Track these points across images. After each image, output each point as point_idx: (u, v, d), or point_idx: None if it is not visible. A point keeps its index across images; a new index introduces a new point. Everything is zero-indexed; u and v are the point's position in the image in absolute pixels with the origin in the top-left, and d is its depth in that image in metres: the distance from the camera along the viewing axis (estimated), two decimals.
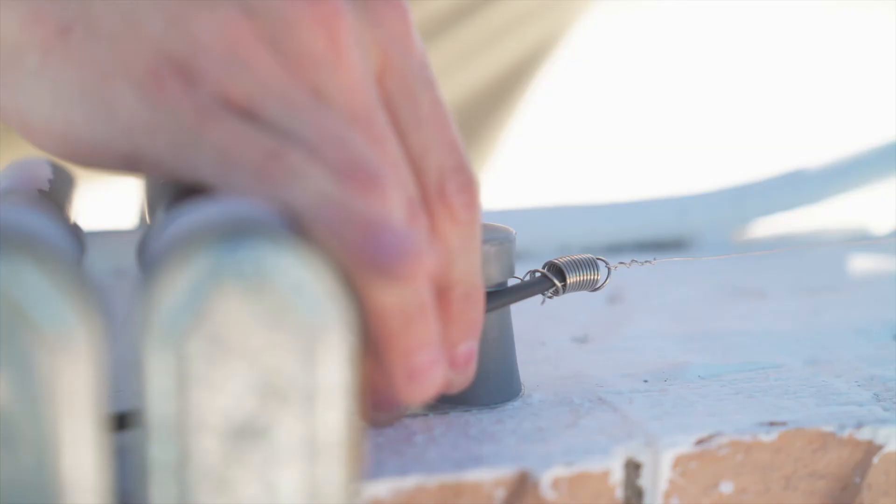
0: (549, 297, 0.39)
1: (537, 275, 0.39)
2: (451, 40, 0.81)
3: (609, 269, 0.42)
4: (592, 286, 0.40)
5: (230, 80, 0.32)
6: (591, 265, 0.40)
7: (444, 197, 0.34)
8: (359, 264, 0.29)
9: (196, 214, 0.30)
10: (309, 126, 0.32)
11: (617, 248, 0.61)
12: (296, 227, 0.30)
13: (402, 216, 0.32)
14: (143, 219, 0.60)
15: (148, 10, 0.33)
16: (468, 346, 0.35)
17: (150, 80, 0.33)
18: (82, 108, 0.33)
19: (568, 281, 0.39)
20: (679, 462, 0.36)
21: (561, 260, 0.40)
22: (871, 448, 0.38)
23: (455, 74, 0.82)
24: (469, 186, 0.34)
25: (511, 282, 0.39)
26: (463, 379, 0.35)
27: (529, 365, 0.42)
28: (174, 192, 0.38)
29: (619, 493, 0.35)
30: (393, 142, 0.33)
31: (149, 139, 0.33)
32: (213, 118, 0.32)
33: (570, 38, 0.87)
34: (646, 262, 0.43)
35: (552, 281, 0.39)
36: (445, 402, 0.39)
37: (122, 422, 0.31)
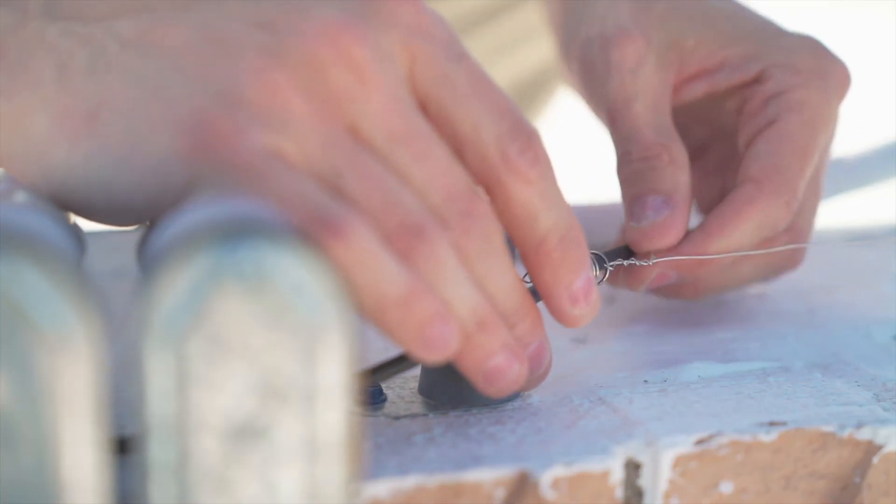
0: None
1: None
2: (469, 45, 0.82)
3: (606, 267, 0.42)
4: None
5: (276, 136, 0.32)
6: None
7: (509, 163, 0.35)
8: (407, 347, 0.33)
9: (196, 214, 0.30)
10: (357, 192, 0.32)
11: None
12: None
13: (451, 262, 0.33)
14: None
15: (170, 76, 0.34)
16: (582, 280, 0.37)
17: (186, 140, 0.33)
18: (121, 181, 0.34)
19: None
20: (679, 462, 0.36)
21: None
22: (871, 448, 0.38)
23: None
24: (529, 142, 0.35)
25: None
26: (589, 311, 0.37)
27: None
28: None
29: (619, 493, 0.35)
30: (435, 146, 0.34)
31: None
32: (259, 175, 0.32)
33: None
34: (644, 261, 0.44)
35: None
36: (446, 403, 0.39)
37: (123, 446, 0.31)
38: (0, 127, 0.35)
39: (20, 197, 0.35)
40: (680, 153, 0.46)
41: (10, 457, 0.26)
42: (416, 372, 0.40)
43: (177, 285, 0.27)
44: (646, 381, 0.41)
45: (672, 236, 0.44)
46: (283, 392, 0.28)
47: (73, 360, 0.26)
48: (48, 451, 0.26)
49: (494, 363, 0.35)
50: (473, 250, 0.34)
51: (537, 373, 0.37)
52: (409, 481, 0.33)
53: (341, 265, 0.31)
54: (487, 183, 0.35)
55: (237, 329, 0.27)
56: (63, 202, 0.35)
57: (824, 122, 0.47)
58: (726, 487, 0.37)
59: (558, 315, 0.37)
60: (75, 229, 0.35)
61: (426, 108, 0.35)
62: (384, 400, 0.39)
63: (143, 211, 0.34)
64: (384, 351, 0.38)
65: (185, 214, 0.30)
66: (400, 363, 0.37)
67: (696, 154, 0.51)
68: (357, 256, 0.31)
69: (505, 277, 0.35)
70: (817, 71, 0.47)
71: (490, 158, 0.35)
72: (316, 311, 0.27)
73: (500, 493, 0.34)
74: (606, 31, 0.48)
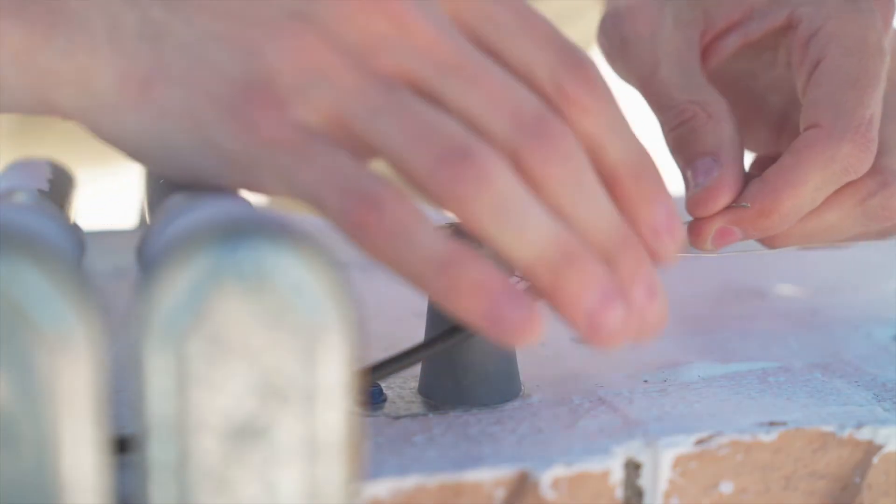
0: None
1: None
2: None
3: None
4: None
5: (312, 98, 0.33)
6: None
7: (565, 95, 0.33)
8: (482, 325, 0.30)
9: (196, 214, 0.30)
10: (395, 129, 0.32)
11: None
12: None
13: (515, 183, 0.31)
14: (143, 219, 0.60)
15: (212, 45, 0.34)
16: (664, 210, 0.34)
17: (232, 117, 0.33)
18: (186, 150, 0.35)
19: None
20: (679, 462, 0.36)
21: None
22: (871, 448, 0.38)
23: None
24: (584, 72, 0.34)
25: None
26: (673, 245, 0.34)
27: (529, 365, 0.42)
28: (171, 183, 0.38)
29: (619, 493, 0.35)
30: (492, 69, 0.33)
31: (253, 172, 0.34)
32: (300, 153, 0.32)
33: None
34: None
35: None
36: (445, 403, 0.39)
37: (123, 446, 0.31)
38: (67, 85, 0.36)
39: (20, 197, 0.35)
40: (717, 107, 0.44)
41: (10, 457, 0.26)
42: (417, 372, 0.40)
43: (177, 285, 0.27)
44: (646, 381, 0.41)
45: (725, 195, 0.42)
46: (283, 392, 0.28)
47: (73, 360, 0.26)
48: (48, 451, 0.26)
49: (592, 303, 0.31)
50: (556, 176, 0.32)
51: (651, 319, 0.33)
52: (409, 481, 0.33)
53: (378, 238, 0.31)
54: None
55: (237, 329, 0.27)
56: (143, 163, 0.36)
57: (871, 47, 0.44)
58: (726, 487, 0.37)
59: None
60: (75, 229, 0.35)
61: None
62: (384, 400, 0.39)
63: (214, 181, 0.35)
64: (385, 351, 0.38)
65: (185, 214, 0.30)
66: (400, 360, 0.37)
67: (780, 125, 0.50)
68: (394, 226, 0.30)
69: (596, 204, 0.32)
70: None
71: (547, 92, 0.33)
72: (316, 311, 0.27)
73: (500, 493, 0.34)
74: (618, 10, 0.47)
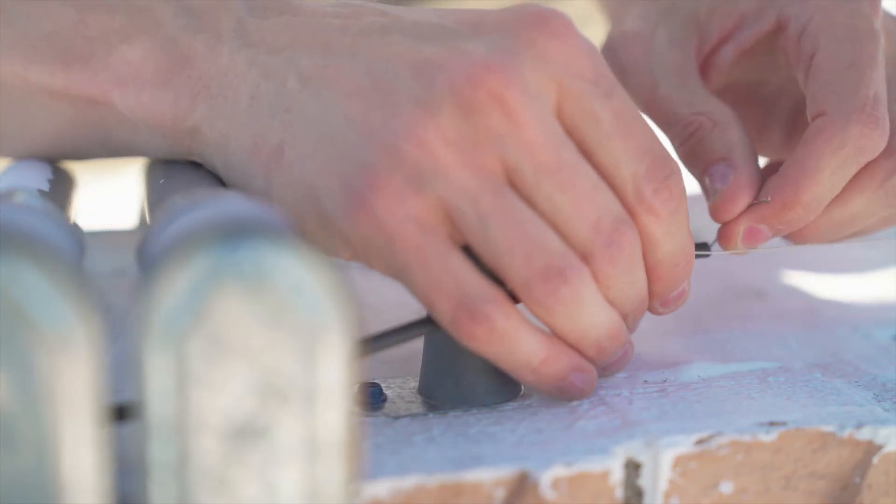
0: None
1: None
2: None
3: None
4: None
5: (427, 193, 0.35)
6: None
7: (642, 200, 0.37)
8: (552, 393, 0.38)
9: (196, 214, 0.30)
10: (500, 238, 0.35)
11: None
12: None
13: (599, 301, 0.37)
14: (143, 219, 0.60)
15: (338, 123, 0.36)
16: (678, 291, 0.40)
17: (351, 200, 0.35)
18: (308, 222, 0.36)
19: None
20: (679, 462, 0.36)
21: None
22: (871, 448, 0.38)
23: None
24: (665, 183, 0.38)
25: None
26: (672, 310, 0.41)
27: None
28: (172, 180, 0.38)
29: (619, 493, 0.35)
30: (583, 173, 0.36)
31: (367, 255, 0.36)
32: (417, 254, 0.35)
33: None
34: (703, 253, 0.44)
35: None
36: (445, 403, 0.39)
37: (122, 413, 0.31)
38: (207, 146, 0.39)
39: (20, 197, 0.35)
40: (722, 114, 0.44)
41: (10, 457, 0.26)
42: (417, 372, 0.40)
43: (177, 285, 0.27)
44: (646, 382, 0.41)
45: (744, 196, 0.43)
46: (283, 392, 0.28)
47: (73, 360, 0.26)
48: (48, 451, 0.26)
49: (617, 357, 0.39)
50: (614, 274, 0.37)
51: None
52: (409, 481, 0.33)
53: (483, 346, 0.35)
54: None
55: (237, 329, 0.27)
56: None
57: (862, 31, 0.44)
58: (726, 487, 0.37)
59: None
60: (75, 229, 0.35)
61: (570, 138, 0.37)
62: (384, 400, 0.39)
63: (332, 252, 0.37)
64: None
65: (185, 214, 0.30)
66: (400, 334, 0.37)
67: (791, 128, 0.51)
68: (499, 338, 0.35)
69: (635, 288, 0.38)
70: None
71: (625, 194, 0.37)
72: (316, 311, 0.27)
73: (500, 493, 0.34)
74: (613, 39, 0.48)
